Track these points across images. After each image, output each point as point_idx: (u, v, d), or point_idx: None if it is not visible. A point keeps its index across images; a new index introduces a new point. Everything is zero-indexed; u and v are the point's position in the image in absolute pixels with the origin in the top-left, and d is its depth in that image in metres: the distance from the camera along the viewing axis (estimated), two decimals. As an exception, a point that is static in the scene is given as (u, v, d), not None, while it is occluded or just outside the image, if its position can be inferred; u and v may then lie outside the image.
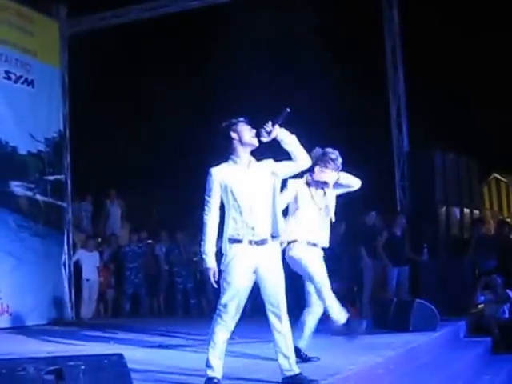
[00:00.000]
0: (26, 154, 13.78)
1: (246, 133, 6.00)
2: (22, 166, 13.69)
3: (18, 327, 12.49)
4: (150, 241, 16.55)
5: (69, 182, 14.94)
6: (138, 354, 7.95)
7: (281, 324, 5.91)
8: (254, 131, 6.03)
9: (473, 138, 15.13)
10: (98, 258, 15.38)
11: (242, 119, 6.08)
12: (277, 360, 5.97)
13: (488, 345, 10.62)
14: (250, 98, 14.84)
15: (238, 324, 8.87)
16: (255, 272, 5.90)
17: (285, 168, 6.13)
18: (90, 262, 15.06)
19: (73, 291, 14.67)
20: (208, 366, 5.82)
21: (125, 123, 17.65)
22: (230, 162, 6.04)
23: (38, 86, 14.13)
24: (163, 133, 17.53)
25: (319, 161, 7.44)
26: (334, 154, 7.50)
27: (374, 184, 14.82)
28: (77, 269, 14.94)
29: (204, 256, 5.89)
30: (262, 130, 6.04)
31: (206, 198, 5.95)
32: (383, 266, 13.08)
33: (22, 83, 13.80)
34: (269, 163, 6.10)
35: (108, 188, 17.37)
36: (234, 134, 5.99)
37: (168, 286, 16.17)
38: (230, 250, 5.87)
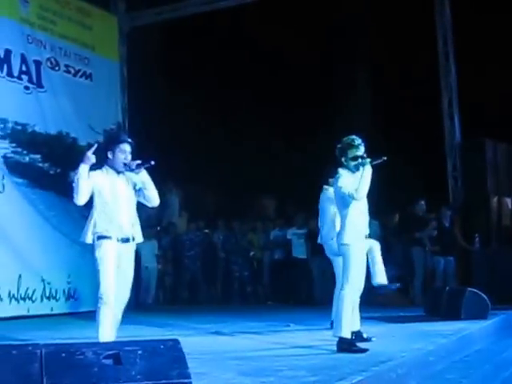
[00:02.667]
0: (86, 146, 14.02)
1: (118, 158, 6.53)
2: (82, 156, 13.93)
3: (82, 312, 12.81)
4: (206, 230, 16.71)
5: (126, 172, 15.18)
6: (194, 340, 8.10)
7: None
8: (128, 159, 6.51)
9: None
10: (157, 246, 15.65)
11: (129, 141, 6.62)
12: None
13: (539, 333, 10.57)
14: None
15: (291, 312, 9.10)
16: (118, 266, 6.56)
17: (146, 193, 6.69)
18: (149, 250, 15.31)
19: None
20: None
21: (183, 114, 17.81)
22: (104, 169, 6.61)
23: (96, 79, 14.46)
24: (219, 122, 17.64)
25: (343, 151, 7.19)
26: (348, 139, 7.21)
27: (426, 174, 14.98)
28: (136, 256, 15.19)
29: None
30: (128, 164, 6.52)
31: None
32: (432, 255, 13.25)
33: (81, 76, 14.15)
34: (134, 177, 6.60)
35: (166, 178, 17.60)
36: (109, 154, 6.54)
37: (225, 274, 16.34)
38: (101, 245, 6.48)
